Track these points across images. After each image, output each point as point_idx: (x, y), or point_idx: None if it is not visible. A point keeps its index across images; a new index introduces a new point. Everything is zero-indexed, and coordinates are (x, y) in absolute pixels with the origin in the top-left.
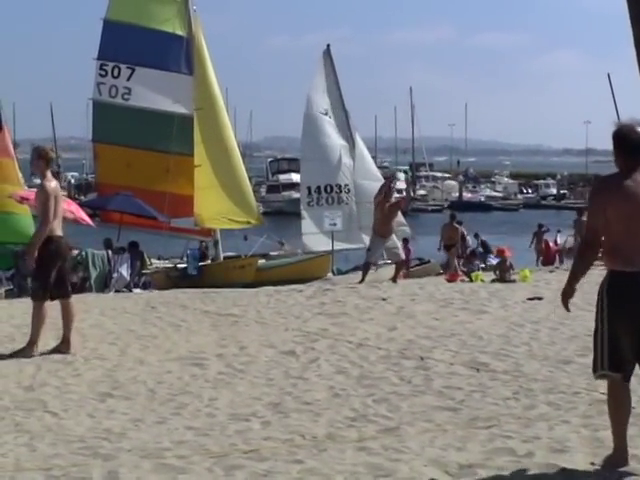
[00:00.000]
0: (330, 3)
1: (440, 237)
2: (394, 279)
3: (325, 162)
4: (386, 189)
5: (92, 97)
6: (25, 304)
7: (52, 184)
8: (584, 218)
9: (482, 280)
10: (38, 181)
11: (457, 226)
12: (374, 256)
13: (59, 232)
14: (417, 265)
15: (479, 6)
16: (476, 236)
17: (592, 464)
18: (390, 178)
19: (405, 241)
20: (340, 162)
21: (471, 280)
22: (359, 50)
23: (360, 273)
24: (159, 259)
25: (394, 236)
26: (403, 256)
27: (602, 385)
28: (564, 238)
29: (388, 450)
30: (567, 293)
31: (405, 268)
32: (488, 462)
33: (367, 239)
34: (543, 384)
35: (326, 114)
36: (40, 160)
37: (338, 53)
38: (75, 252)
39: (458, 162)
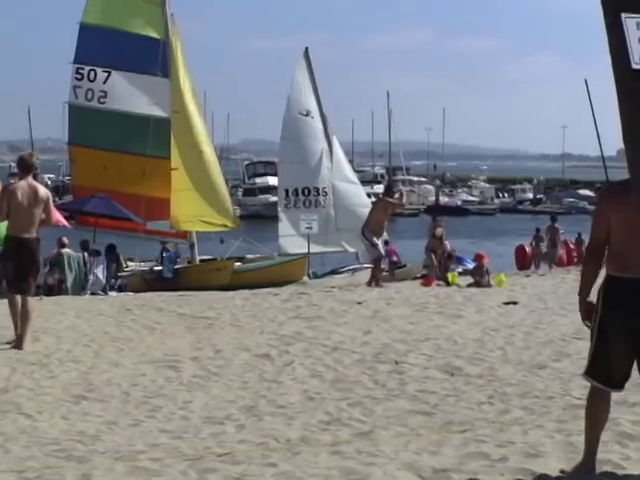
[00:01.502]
0: (307, 7)
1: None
2: (371, 282)
3: (303, 165)
4: (391, 191)
5: (68, 101)
6: (0, 305)
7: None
8: (557, 225)
9: (458, 285)
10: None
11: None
12: (378, 250)
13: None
14: (395, 269)
15: (457, 10)
16: None
17: (562, 472)
18: (392, 179)
19: (386, 243)
20: (319, 165)
21: (448, 284)
22: (336, 54)
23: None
24: (130, 261)
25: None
26: (383, 252)
27: (575, 390)
28: (543, 243)
29: (362, 454)
30: (582, 307)
31: (393, 269)
32: (462, 466)
33: (345, 241)
34: (517, 388)
35: (307, 115)
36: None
37: (315, 57)
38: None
39: (435, 166)
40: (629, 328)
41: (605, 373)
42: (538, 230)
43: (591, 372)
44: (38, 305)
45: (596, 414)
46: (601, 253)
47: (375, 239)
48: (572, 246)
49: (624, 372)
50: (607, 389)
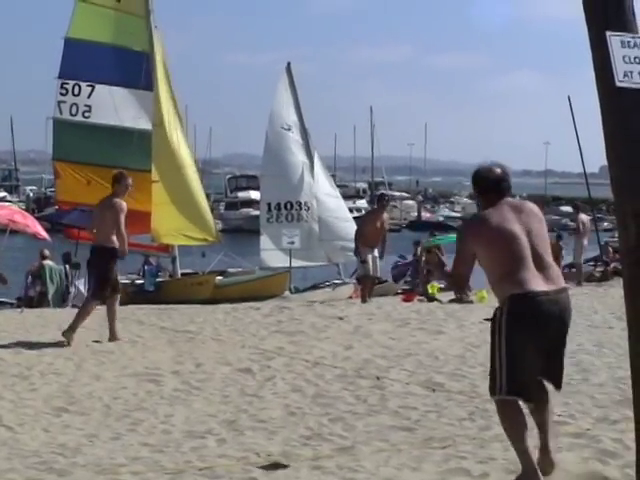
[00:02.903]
0: (290, 22)
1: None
2: (364, 300)
3: (286, 179)
4: (381, 204)
5: (53, 116)
6: None
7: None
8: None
9: (439, 301)
10: None
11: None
12: (369, 267)
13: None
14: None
15: (436, 27)
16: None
17: None
18: (384, 194)
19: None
20: (301, 179)
21: (428, 298)
22: (318, 69)
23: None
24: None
25: (376, 252)
26: (371, 272)
27: (557, 406)
28: None
29: (343, 469)
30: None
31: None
32: None
33: (328, 253)
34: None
35: (289, 129)
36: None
37: (298, 72)
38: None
39: (417, 182)
40: (538, 339)
41: (525, 388)
42: (607, 243)
43: (512, 390)
44: (19, 317)
45: (519, 427)
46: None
47: (365, 255)
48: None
49: (536, 383)
50: (527, 403)
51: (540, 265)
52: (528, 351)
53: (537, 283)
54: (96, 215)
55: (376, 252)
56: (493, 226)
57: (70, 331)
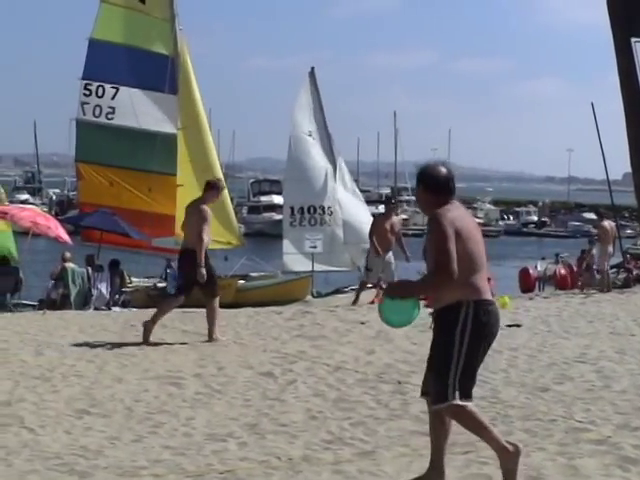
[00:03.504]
0: (313, 26)
1: None
2: (354, 301)
3: (309, 183)
4: (389, 207)
5: (76, 117)
6: (4, 319)
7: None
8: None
9: None
10: (21, 196)
11: None
12: (374, 275)
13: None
14: None
15: (460, 32)
16: None
17: None
18: (391, 197)
19: None
20: (324, 184)
21: None
22: (341, 73)
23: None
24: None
25: (391, 256)
26: (395, 278)
27: (578, 413)
28: (544, 265)
29: (364, 473)
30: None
31: None
32: None
33: (355, 258)
34: (520, 411)
35: (310, 135)
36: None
37: (320, 76)
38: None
39: None
40: (488, 346)
41: (470, 390)
42: (583, 251)
43: (462, 394)
44: (41, 319)
45: (483, 423)
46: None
47: (372, 262)
48: (576, 269)
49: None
50: (470, 402)
51: (485, 274)
52: (480, 358)
53: (488, 292)
54: (185, 218)
55: (390, 256)
56: (464, 225)
57: (150, 323)
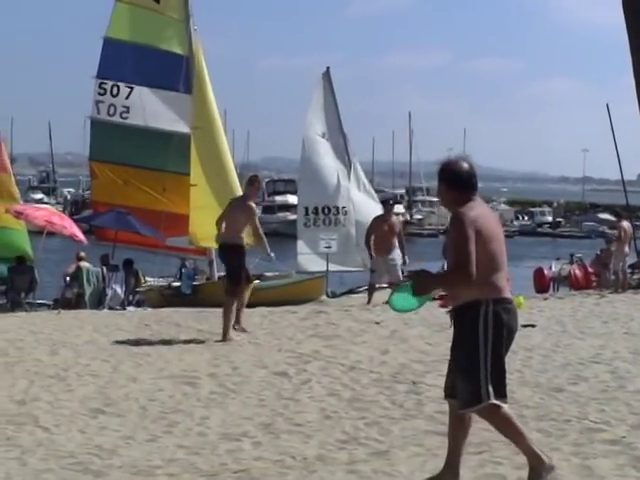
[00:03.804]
0: (326, 26)
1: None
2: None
3: (323, 183)
4: (387, 208)
5: (90, 115)
6: (19, 318)
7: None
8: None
9: None
10: (35, 196)
11: None
12: (379, 276)
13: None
14: None
15: (475, 32)
16: None
17: None
18: (389, 198)
19: None
20: (338, 184)
21: None
22: (355, 73)
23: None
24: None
25: (396, 254)
26: (401, 277)
27: (592, 413)
28: (559, 266)
29: (378, 473)
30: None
31: None
32: None
33: (365, 259)
34: (534, 411)
35: (324, 137)
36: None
37: (335, 76)
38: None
39: None
40: (509, 346)
41: (505, 389)
42: (602, 251)
43: (498, 393)
44: (56, 319)
45: (518, 424)
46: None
47: (375, 263)
48: (590, 269)
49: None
50: (505, 403)
51: (506, 272)
52: (504, 356)
53: (508, 291)
54: (226, 214)
55: (394, 257)
56: (485, 224)
57: (225, 336)
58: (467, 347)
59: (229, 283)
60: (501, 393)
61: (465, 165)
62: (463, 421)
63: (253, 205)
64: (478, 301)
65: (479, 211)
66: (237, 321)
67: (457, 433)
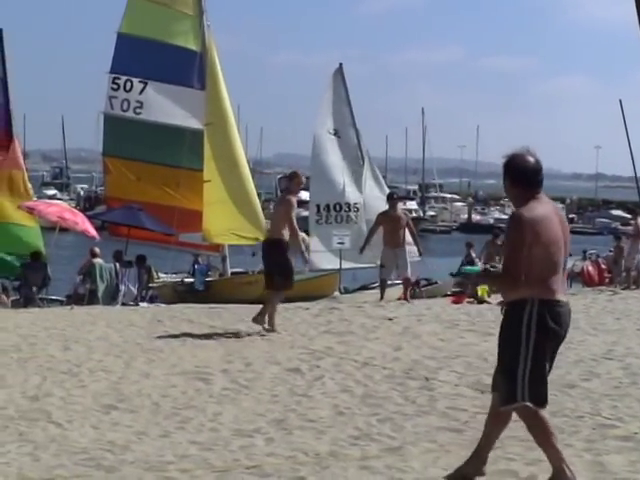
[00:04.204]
0: (339, 23)
1: (480, 255)
2: (404, 298)
3: (334, 181)
4: (391, 203)
5: (104, 111)
6: (32, 314)
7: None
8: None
9: (488, 302)
10: (48, 192)
11: (499, 243)
12: (388, 271)
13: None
14: (425, 286)
15: (488, 28)
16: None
17: None
18: (393, 192)
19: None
20: (350, 181)
21: (477, 298)
22: (368, 69)
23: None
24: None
25: (405, 248)
26: (409, 274)
27: (605, 410)
28: (572, 262)
29: (391, 469)
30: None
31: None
32: None
33: (376, 256)
34: (547, 407)
35: (335, 134)
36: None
37: (348, 72)
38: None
39: (469, 184)
40: (557, 348)
41: (543, 394)
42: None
43: (534, 397)
44: (69, 315)
45: (549, 429)
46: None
47: (383, 258)
48: (603, 266)
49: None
50: (542, 409)
51: (562, 275)
52: (547, 359)
53: (562, 293)
54: (272, 210)
55: (403, 251)
56: (546, 224)
57: (270, 327)
58: (509, 345)
59: (280, 278)
60: (538, 399)
61: (530, 160)
62: (500, 417)
63: (292, 199)
64: (525, 300)
65: (540, 211)
66: (261, 315)
67: (492, 428)
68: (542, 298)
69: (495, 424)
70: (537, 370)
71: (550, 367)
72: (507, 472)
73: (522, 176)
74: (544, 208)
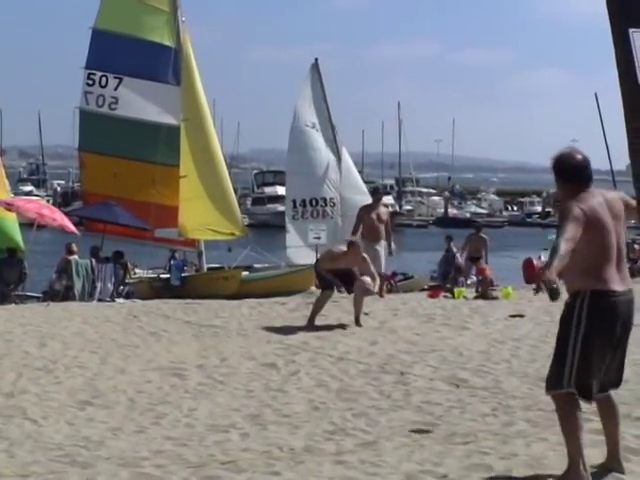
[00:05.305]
0: (314, 17)
1: (463, 248)
2: (379, 293)
3: (310, 175)
4: (376, 197)
5: (79, 106)
6: (7, 311)
7: None
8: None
9: (464, 297)
10: (25, 188)
11: (484, 237)
12: (377, 265)
13: None
14: (401, 280)
15: (463, 23)
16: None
17: None
18: (378, 187)
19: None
20: (326, 176)
21: (453, 296)
22: (344, 64)
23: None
24: (136, 268)
25: (382, 244)
26: (383, 269)
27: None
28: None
29: (365, 464)
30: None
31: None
32: (465, 478)
33: None
34: (522, 401)
35: (313, 127)
36: None
37: (324, 67)
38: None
39: (449, 178)
40: (611, 338)
41: (590, 387)
42: (633, 241)
43: (579, 386)
44: (45, 311)
45: (578, 423)
46: None
47: (368, 247)
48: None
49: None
50: (586, 402)
51: (619, 264)
52: (600, 351)
53: (618, 282)
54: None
55: (379, 247)
56: (597, 215)
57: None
58: (561, 334)
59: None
60: (584, 393)
61: (577, 156)
62: (609, 408)
63: None
64: (577, 292)
65: (590, 202)
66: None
67: (604, 422)
68: (595, 289)
69: (607, 418)
70: (586, 363)
71: (617, 356)
72: (482, 466)
73: (569, 174)
74: (594, 199)
